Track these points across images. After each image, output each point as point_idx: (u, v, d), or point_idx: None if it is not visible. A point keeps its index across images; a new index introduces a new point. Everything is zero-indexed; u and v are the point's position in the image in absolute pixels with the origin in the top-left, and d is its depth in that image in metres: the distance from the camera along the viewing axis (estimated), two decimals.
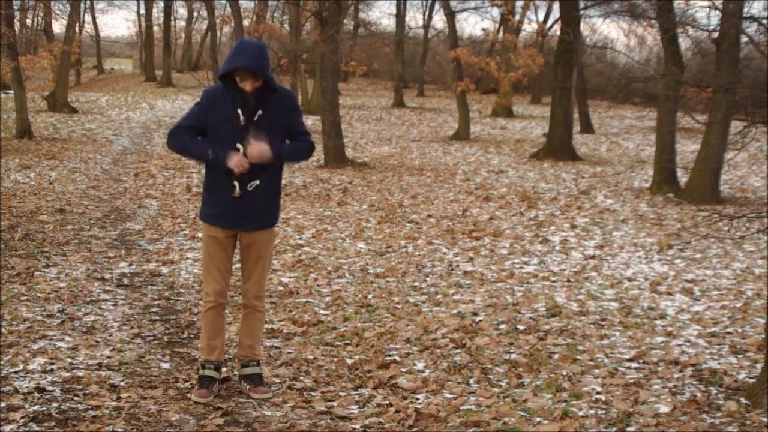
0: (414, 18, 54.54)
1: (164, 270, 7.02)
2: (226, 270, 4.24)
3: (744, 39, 10.79)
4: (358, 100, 32.48)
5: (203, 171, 4.30)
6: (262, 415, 3.97)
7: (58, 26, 34.82)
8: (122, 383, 4.28)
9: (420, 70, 36.64)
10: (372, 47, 37.57)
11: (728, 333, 5.44)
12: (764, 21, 8.59)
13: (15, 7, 22.42)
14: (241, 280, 4.36)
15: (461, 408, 4.05)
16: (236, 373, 4.36)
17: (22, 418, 3.75)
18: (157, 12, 43.38)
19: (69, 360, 4.60)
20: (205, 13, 37.61)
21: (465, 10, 27.82)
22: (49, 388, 4.15)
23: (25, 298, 5.85)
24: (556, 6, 25.04)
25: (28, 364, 4.47)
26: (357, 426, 3.86)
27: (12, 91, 18.49)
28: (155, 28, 42.89)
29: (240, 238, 4.22)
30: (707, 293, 6.53)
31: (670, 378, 4.52)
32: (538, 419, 3.93)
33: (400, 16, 32.39)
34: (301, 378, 4.49)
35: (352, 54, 32.16)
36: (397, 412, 3.99)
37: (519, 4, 26.89)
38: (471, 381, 4.45)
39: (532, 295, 6.35)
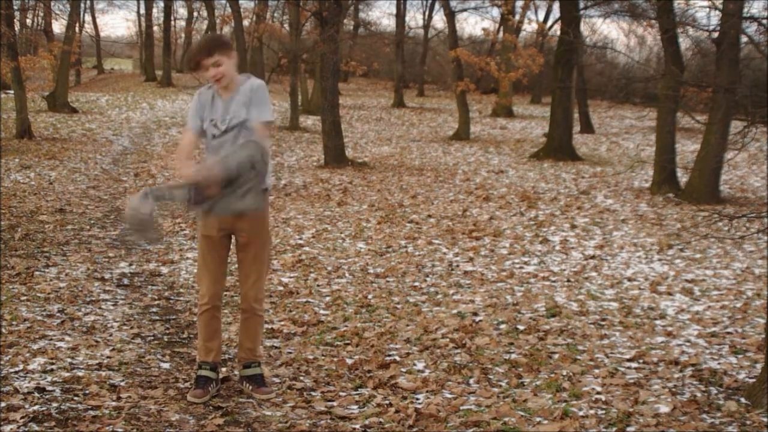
0: (414, 18, 54.49)
1: (164, 270, 7.03)
2: (220, 272, 4.17)
3: (744, 39, 10.78)
4: (358, 100, 32.48)
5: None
6: (262, 415, 3.97)
7: (58, 26, 34.93)
8: (122, 383, 4.28)
9: (420, 70, 36.65)
10: (372, 47, 37.57)
11: (728, 333, 5.44)
12: (764, 21, 8.59)
13: (15, 7, 22.43)
14: (239, 282, 4.30)
15: (461, 408, 4.05)
16: (237, 373, 4.36)
17: (22, 418, 3.75)
18: (157, 12, 43.38)
19: (69, 360, 4.60)
20: (205, 13, 37.64)
21: (465, 10, 27.82)
22: (49, 388, 4.14)
23: (25, 298, 5.85)
24: (556, 6, 25.05)
25: (28, 364, 4.47)
26: (357, 426, 3.86)
27: (12, 91, 18.50)
28: (155, 28, 42.87)
29: (236, 237, 4.13)
30: (707, 293, 6.53)
31: (670, 378, 4.52)
32: (538, 419, 3.93)
33: (400, 16, 32.39)
34: (301, 378, 4.48)
35: (352, 54, 32.16)
36: (397, 412, 3.99)
37: (519, 4, 26.93)
38: (471, 381, 4.45)
39: (532, 295, 6.35)
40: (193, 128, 4.08)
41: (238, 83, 4.02)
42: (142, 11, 46.27)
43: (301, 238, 8.44)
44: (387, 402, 4.12)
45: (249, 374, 4.24)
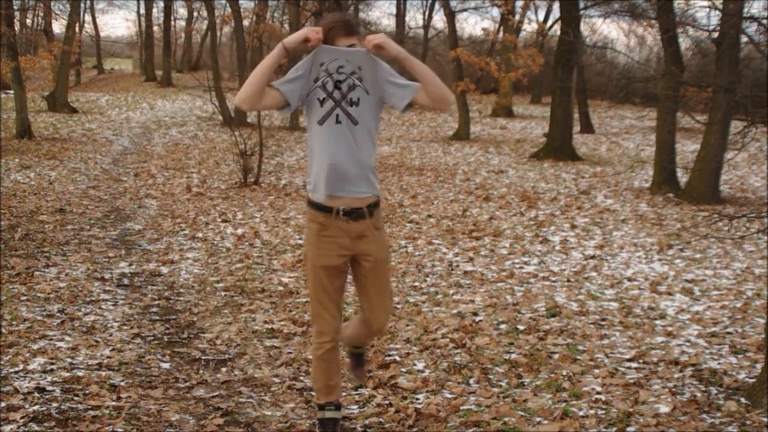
0: (414, 18, 54.53)
1: (164, 270, 7.03)
2: (341, 301, 3.58)
3: (744, 39, 10.79)
4: None
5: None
6: (262, 415, 3.97)
7: (58, 26, 34.91)
8: (122, 383, 4.28)
9: None
10: None
11: (728, 333, 5.44)
12: (764, 21, 8.59)
13: (15, 7, 22.44)
14: (364, 308, 3.61)
15: (461, 408, 4.05)
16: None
17: (22, 418, 3.75)
18: (157, 12, 43.41)
19: (69, 360, 4.60)
20: (205, 13, 37.62)
21: (465, 10, 27.82)
22: (49, 388, 4.15)
23: (25, 298, 5.85)
24: (556, 6, 25.06)
25: (28, 364, 4.47)
26: (357, 426, 3.86)
27: (12, 91, 18.50)
28: (155, 28, 42.89)
29: (359, 261, 3.48)
30: (707, 293, 6.53)
31: (670, 378, 4.52)
32: (538, 419, 3.93)
33: (400, 16, 32.42)
34: (301, 378, 4.48)
35: None
36: (397, 412, 3.99)
37: (519, 4, 26.88)
38: (471, 381, 4.45)
39: (532, 295, 6.35)
40: (280, 86, 3.37)
41: None
42: (142, 11, 46.33)
43: (301, 238, 8.43)
44: (387, 402, 4.12)
45: (354, 352, 3.94)
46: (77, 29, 29.20)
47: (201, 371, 4.58)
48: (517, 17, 27.12)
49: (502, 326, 5.46)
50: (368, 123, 3.39)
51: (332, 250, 3.41)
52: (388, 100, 3.42)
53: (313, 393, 4.26)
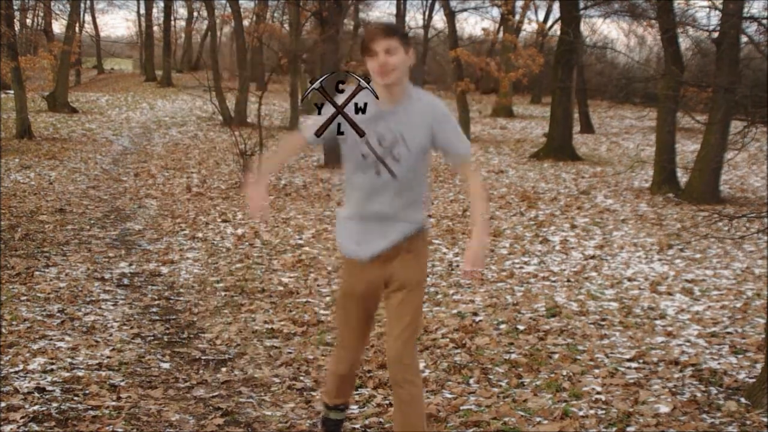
0: (414, 18, 54.42)
1: (164, 270, 7.03)
2: (368, 332, 3.32)
3: (744, 39, 10.79)
4: None
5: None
6: (262, 415, 3.97)
7: (58, 26, 34.89)
8: (122, 383, 4.28)
9: (420, 70, 36.59)
10: None
11: (728, 333, 5.44)
12: (764, 21, 8.59)
13: (15, 7, 22.45)
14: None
15: (461, 408, 4.05)
16: None
17: (22, 418, 3.75)
18: (157, 12, 43.39)
19: (69, 360, 4.60)
20: (205, 13, 37.65)
21: (465, 10, 27.76)
22: (49, 388, 4.15)
23: (25, 298, 5.85)
24: (556, 6, 25.05)
25: (28, 364, 4.47)
26: (357, 426, 3.86)
27: (12, 91, 18.51)
28: (155, 28, 42.88)
29: (386, 285, 3.15)
30: (707, 293, 6.53)
31: (670, 378, 4.52)
32: (538, 419, 3.93)
33: (400, 16, 32.36)
34: (301, 378, 4.48)
35: (352, 54, 32.17)
36: None
37: (519, 4, 26.87)
38: (471, 381, 4.45)
39: (532, 295, 6.35)
40: (308, 134, 3.01)
41: (407, 93, 2.98)
42: (142, 11, 46.31)
43: (301, 238, 8.44)
44: (387, 402, 4.11)
45: None
46: (77, 29, 29.20)
47: (201, 371, 4.58)
48: (517, 17, 27.12)
49: (502, 326, 5.46)
50: (404, 160, 2.97)
51: (362, 276, 3.15)
52: (440, 148, 3.06)
53: (313, 393, 4.27)
